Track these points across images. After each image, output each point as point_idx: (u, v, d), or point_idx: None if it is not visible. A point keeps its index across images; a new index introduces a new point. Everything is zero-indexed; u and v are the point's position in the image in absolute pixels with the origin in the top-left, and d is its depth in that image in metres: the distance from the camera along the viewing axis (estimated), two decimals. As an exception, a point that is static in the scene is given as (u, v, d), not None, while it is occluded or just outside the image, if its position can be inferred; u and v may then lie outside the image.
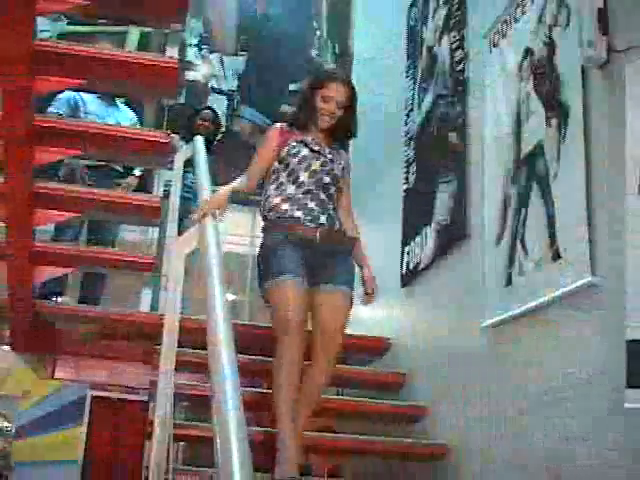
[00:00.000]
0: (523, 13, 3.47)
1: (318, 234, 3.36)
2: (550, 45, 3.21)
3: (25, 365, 5.87)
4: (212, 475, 4.22)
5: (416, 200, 4.68)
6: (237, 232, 6.74)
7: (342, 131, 3.58)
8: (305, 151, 3.47)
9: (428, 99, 4.62)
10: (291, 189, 3.42)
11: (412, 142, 4.81)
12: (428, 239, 4.35)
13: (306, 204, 3.40)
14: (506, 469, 3.31)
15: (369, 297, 3.56)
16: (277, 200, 3.42)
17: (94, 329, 4.48)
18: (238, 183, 3.59)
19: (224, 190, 3.52)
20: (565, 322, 3.01)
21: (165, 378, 3.36)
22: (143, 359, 4.75)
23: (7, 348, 5.13)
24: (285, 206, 3.39)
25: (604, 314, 2.78)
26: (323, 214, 3.41)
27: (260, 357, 3.96)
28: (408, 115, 4.91)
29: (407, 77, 5.00)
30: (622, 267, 2.62)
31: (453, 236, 4.07)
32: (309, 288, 3.31)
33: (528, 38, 3.41)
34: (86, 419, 7.32)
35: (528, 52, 3.40)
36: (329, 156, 3.50)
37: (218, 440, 1.88)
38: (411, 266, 4.60)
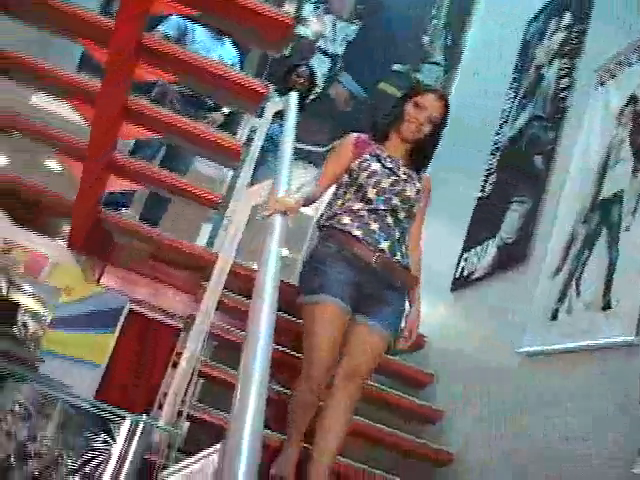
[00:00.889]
0: (639, 60, 3.44)
1: (375, 259, 3.07)
2: (656, 99, 3.20)
3: (75, 264, 6.02)
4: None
5: (487, 210, 4.69)
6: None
7: (420, 154, 3.30)
8: (376, 166, 3.20)
9: (524, 116, 4.60)
10: (357, 205, 3.15)
11: (498, 153, 4.80)
12: (488, 251, 4.37)
13: (368, 224, 3.11)
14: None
15: (404, 341, 3.21)
16: (339, 211, 3.17)
17: (147, 248, 4.56)
18: (310, 191, 3.29)
19: (298, 197, 3.18)
20: (597, 371, 3.04)
21: (204, 315, 3.44)
22: (187, 289, 4.88)
23: (62, 243, 5.28)
24: (346, 220, 3.12)
25: (632, 375, 2.80)
26: (386, 240, 3.11)
27: (295, 319, 3.98)
28: (501, 126, 4.90)
29: (510, 89, 4.98)
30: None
31: (513, 256, 4.08)
32: (350, 310, 3.07)
33: (636, 85, 3.39)
34: (118, 329, 7.47)
35: (633, 99, 3.38)
36: (403, 176, 3.23)
37: (239, 391, 1.88)
38: (465, 272, 4.63)
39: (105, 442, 2.27)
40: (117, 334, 7.29)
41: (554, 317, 3.40)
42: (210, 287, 3.51)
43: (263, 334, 2.17)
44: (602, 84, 3.71)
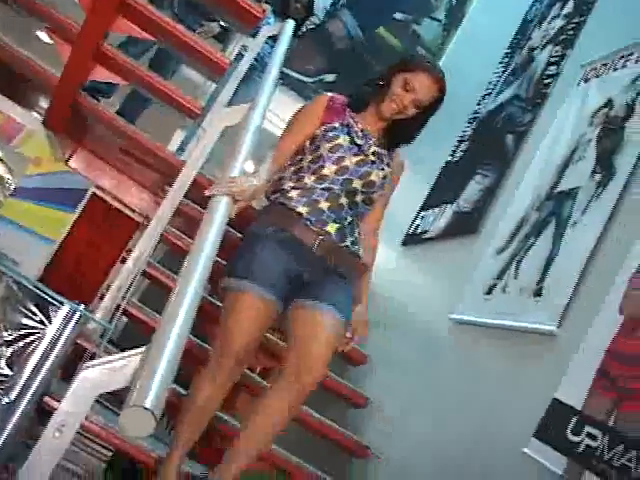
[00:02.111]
0: (624, 67, 3.53)
1: (317, 243, 2.67)
2: (629, 109, 3.29)
3: (47, 140, 6.03)
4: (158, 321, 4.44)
5: (452, 176, 4.80)
6: (279, 113, 6.80)
7: (397, 135, 2.89)
8: (343, 139, 2.77)
9: (508, 93, 4.69)
10: (309, 178, 2.73)
11: (474, 123, 4.90)
12: (444, 215, 4.49)
13: (317, 201, 2.69)
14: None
15: (348, 340, 2.79)
16: (288, 185, 2.75)
17: (120, 142, 4.61)
18: (268, 169, 2.75)
19: (263, 182, 2.66)
20: (517, 353, 3.21)
21: (160, 218, 3.45)
22: (151, 189, 4.95)
23: (38, 117, 5.32)
24: (293, 194, 2.71)
25: (550, 363, 2.96)
26: (335, 222, 2.71)
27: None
28: (484, 97, 4.98)
29: (500, 63, 5.05)
30: (584, 333, 2.80)
31: (466, 225, 4.22)
32: (282, 307, 2.66)
33: (616, 91, 3.48)
34: (79, 210, 7.52)
35: (609, 103, 3.47)
36: (371, 156, 2.80)
37: (174, 295, 1.88)
38: (419, 230, 4.76)
39: (41, 322, 2.39)
40: (77, 215, 7.39)
41: (489, 292, 3.56)
42: (171, 193, 3.58)
43: (208, 247, 2.17)
44: (586, 80, 3.81)
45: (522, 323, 3.19)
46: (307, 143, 2.81)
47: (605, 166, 3.22)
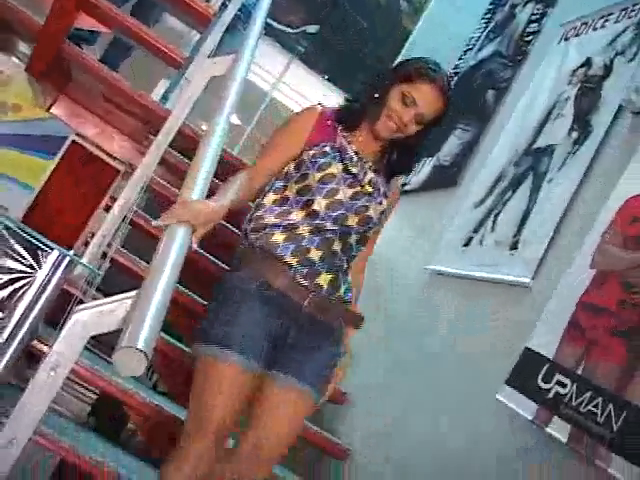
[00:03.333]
0: (603, 26, 3.59)
1: (308, 302, 2.28)
2: (607, 69, 3.35)
3: (28, 86, 6.03)
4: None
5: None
6: (266, 67, 6.84)
7: (400, 161, 2.50)
8: (336, 168, 2.34)
9: (489, 49, 4.73)
10: (296, 215, 2.31)
11: (456, 78, 4.95)
12: (424, 168, 4.56)
13: (308, 250, 2.27)
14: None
15: (323, 387, 2.40)
16: (270, 220, 2.31)
17: (102, 89, 4.63)
18: (238, 189, 2.32)
19: (219, 203, 2.19)
20: (491, 304, 3.31)
21: (145, 167, 3.49)
22: (133, 137, 4.99)
23: (19, 63, 5.31)
24: (278, 237, 2.27)
25: (523, 314, 3.07)
26: (328, 272, 2.31)
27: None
28: (465, 52, 5.03)
29: (482, 19, 5.08)
30: (557, 285, 2.90)
31: (445, 178, 4.29)
32: (261, 369, 2.27)
33: (595, 50, 3.54)
34: (58, 157, 7.52)
35: (588, 62, 3.54)
36: (367, 187, 2.39)
37: (162, 244, 1.93)
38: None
39: (31, 267, 2.45)
40: (56, 162, 7.40)
41: (466, 244, 3.65)
42: (156, 142, 3.60)
43: (200, 184, 2.19)
44: (565, 39, 3.86)
45: (497, 275, 3.29)
46: (291, 167, 2.38)
47: (582, 125, 3.29)
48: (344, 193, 2.32)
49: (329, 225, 2.29)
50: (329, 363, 2.39)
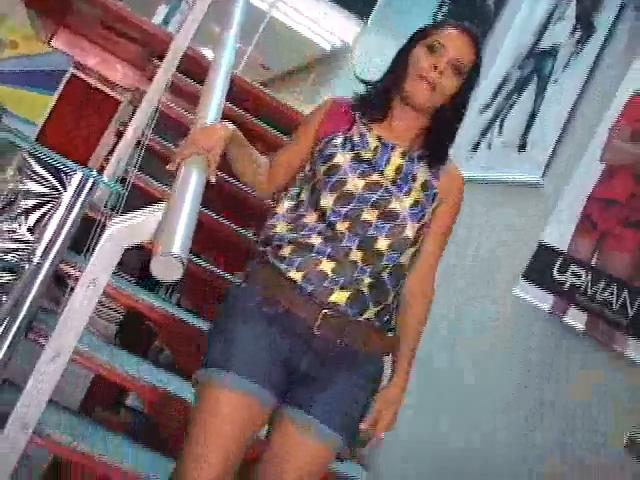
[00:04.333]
0: None
1: (319, 321, 1.85)
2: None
3: (24, 22, 6.01)
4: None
5: (434, 39, 4.85)
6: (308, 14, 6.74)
7: (440, 133, 2.00)
8: (343, 157, 1.93)
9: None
10: (309, 218, 1.91)
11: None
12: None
13: (317, 262, 1.86)
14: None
15: (367, 433, 1.92)
16: (282, 229, 1.94)
17: (103, 17, 4.62)
18: (254, 155, 2.07)
19: (232, 128, 1.95)
20: (504, 204, 3.38)
21: (155, 91, 3.49)
22: (136, 64, 4.99)
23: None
24: (286, 250, 1.89)
25: (536, 212, 3.15)
26: (344, 288, 1.86)
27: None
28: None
29: None
30: (568, 181, 2.97)
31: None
32: (274, 404, 1.87)
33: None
34: (59, 91, 7.53)
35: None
36: (391, 175, 1.93)
37: (183, 169, 1.90)
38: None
39: (56, 189, 2.51)
40: (57, 96, 7.42)
41: (475, 149, 3.71)
42: (164, 66, 3.63)
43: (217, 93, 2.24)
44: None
45: (508, 175, 3.36)
46: (306, 169, 2.02)
47: (585, 24, 3.32)
48: (354, 184, 1.88)
49: (340, 225, 1.86)
50: (355, 400, 1.91)
